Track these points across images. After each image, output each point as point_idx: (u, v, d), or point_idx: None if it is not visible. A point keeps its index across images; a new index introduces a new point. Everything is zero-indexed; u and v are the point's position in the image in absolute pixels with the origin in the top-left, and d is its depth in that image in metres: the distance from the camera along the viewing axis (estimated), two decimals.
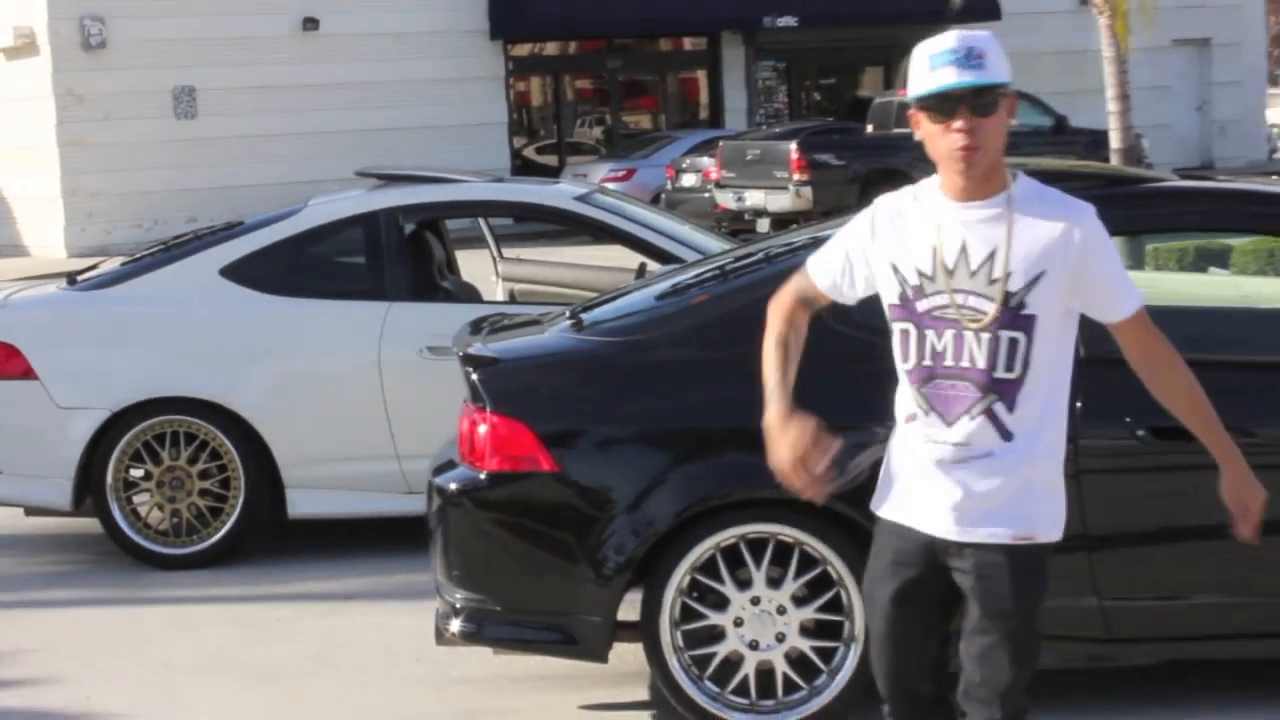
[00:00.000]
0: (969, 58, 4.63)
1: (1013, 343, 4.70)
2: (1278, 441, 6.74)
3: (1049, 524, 4.83)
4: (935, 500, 4.81)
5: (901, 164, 28.02)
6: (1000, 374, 4.71)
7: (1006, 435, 4.74)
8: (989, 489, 4.76)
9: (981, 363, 4.71)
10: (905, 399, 4.88)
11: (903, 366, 4.85)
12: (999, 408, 4.72)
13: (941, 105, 4.65)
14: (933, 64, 4.66)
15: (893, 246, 4.82)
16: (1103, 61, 22.88)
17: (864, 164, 29.51)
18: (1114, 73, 22.66)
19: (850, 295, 5.02)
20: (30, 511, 10.38)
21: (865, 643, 6.62)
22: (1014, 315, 4.69)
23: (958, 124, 4.63)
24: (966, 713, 4.92)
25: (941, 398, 4.77)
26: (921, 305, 4.77)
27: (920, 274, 4.76)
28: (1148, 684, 7.00)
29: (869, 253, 4.89)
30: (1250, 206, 7.56)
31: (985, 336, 4.70)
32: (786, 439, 4.84)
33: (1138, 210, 7.46)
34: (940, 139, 4.68)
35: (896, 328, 4.83)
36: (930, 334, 4.76)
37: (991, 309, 4.69)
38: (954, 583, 4.85)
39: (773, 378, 4.97)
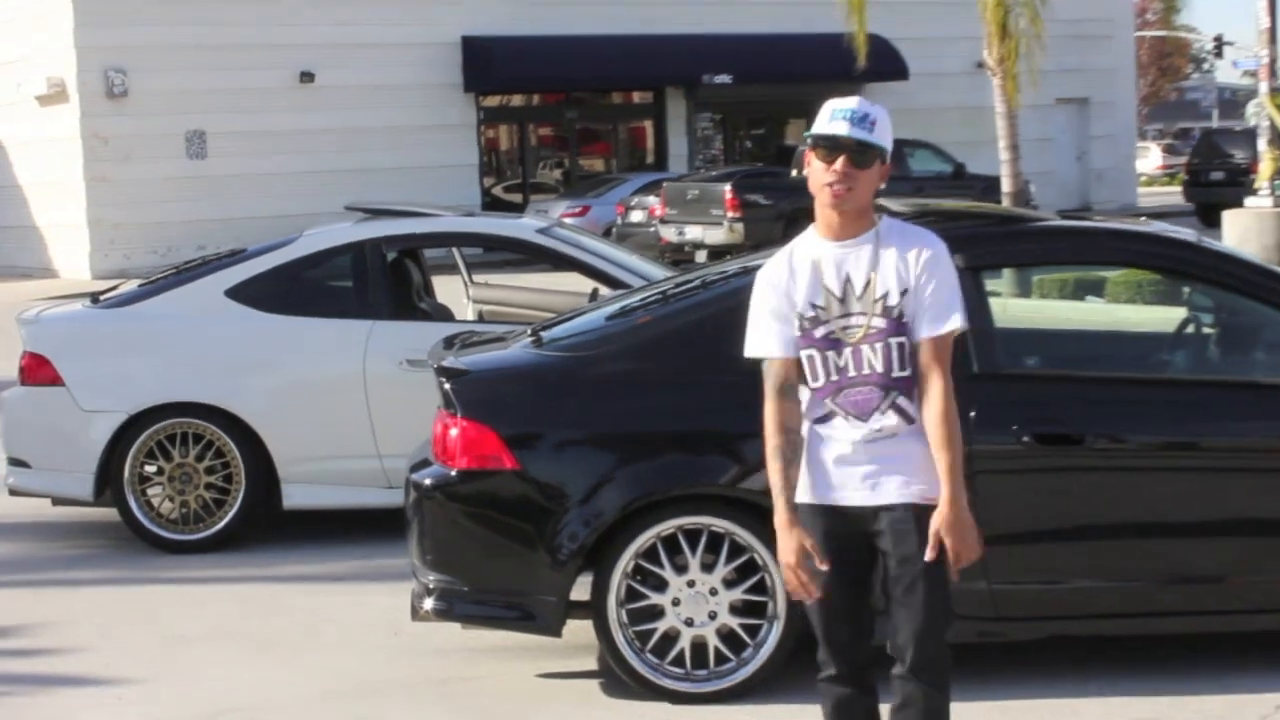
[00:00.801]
0: (864, 120, 4.94)
1: (900, 346, 4.98)
2: (1141, 448, 6.78)
3: (936, 488, 5.00)
4: (855, 478, 5.02)
5: None
6: (897, 373, 4.98)
7: (909, 420, 5.01)
8: (897, 463, 5.00)
9: (880, 367, 4.97)
10: (817, 408, 5.05)
11: (813, 385, 5.03)
12: (901, 400, 4.99)
13: (830, 148, 4.93)
14: (833, 115, 4.96)
15: (790, 294, 5.04)
16: (996, 117, 22.97)
17: (788, 203, 29.49)
18: (1005, 126, 22.73)
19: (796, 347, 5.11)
20: (57, 501, 10.34)
21: (787, 620, 6.66)
22: (897, 324, 4.97)
23: (838, 166, 4.91)
24: (899, 661, 5.06)
25: (853, 402, 5.00)
26: (819, 332, 5.01)
27: (814, 306, 5.01)
28: (1030, 657, 7.02)
29: (796, 304, 5.03)
30: (1120, 243, 7.60)
31: (879, 345, 4.97)
32: (790, 542, 4.99)
33: (1026, 245, 7.50)
34: (821, 175, 4.94)
35: (803, 355, 5.03)
36: (832, 354, 5.00)
37: (880, 323, 4.97)
38: (872, 550, 5.05)
39: (776, 485, 5.03)
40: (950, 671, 5.11)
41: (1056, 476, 6.73)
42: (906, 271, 4.97)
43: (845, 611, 5.10)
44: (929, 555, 4.92)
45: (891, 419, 4.99)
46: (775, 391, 5.07)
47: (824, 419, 5.05)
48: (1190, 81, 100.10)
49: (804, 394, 5.07)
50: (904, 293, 4.96)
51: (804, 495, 5.08)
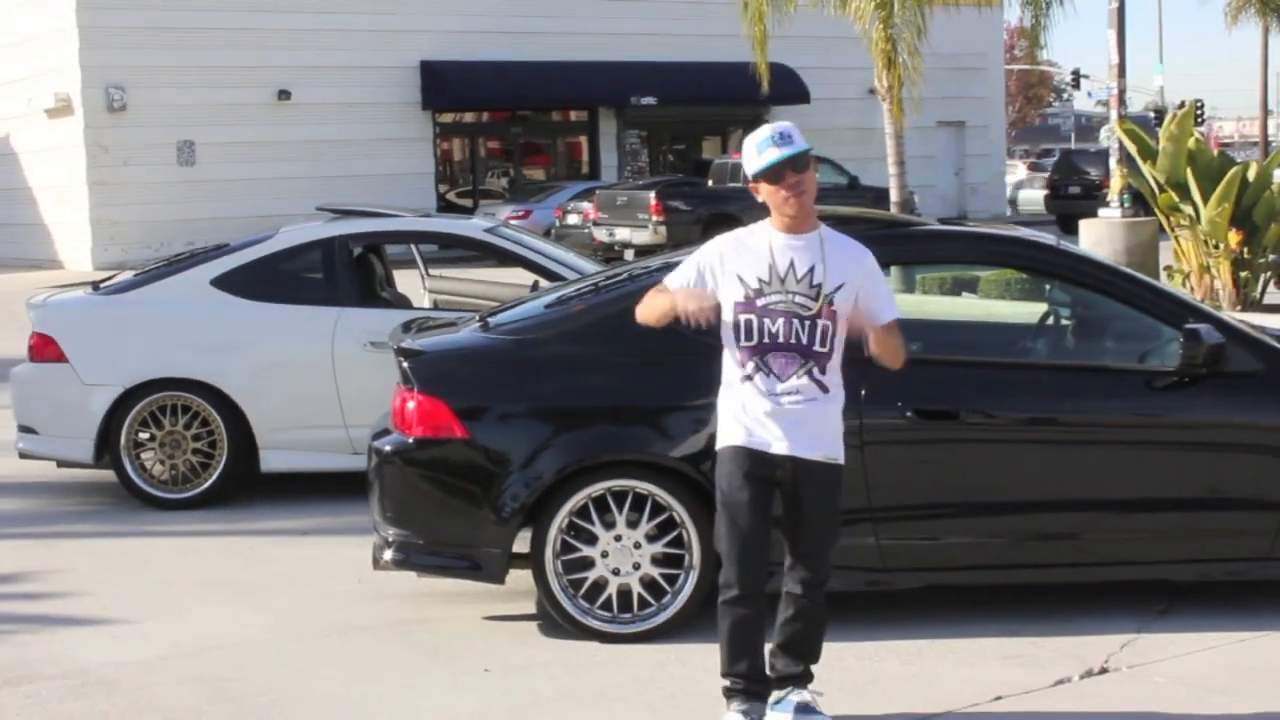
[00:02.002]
0: (784, 137, 5.29)
1: (825, 328, 5.31)
2: (1008, 422, 6.82)
3: (842, 452, 5.48)
4: (778, 430, 5.33)
5: (734, 210, 28.07)
6: (817, 348, 5.31)
7: (824, 389, 5.36)
8: (811, 423, 5.35)
9: (804, 340, 5.30)
10: (740, 365, 5.37)
11: (744, 344, 5.34)
12: (815, 371, 5.33)
13: (773, 174, 5.27)
14: (759, 149, 5.29)
15: (737, 263, 5.35)
16: (885, 137, 23.07)
17: (706, 209, 29.58)
18: (893, 145, 22.86)
19: None
20: (61, 464, 10.24)
21: (701, 571, 6.66)
22: (828, 310, 5.30)
23: (788, 182, 5.26)
24: (798, 583, 5.48)
25: (776, 362, 5.32)
26: (761, 302, 5.31)
27: (760, 280, 5.32)
28: (912, 603, 7.05)
29: (717, 269, 5.38)
30: (992, 246, 7.65)
31: (809, 323, 5.29)
32: (683, 294, 5.34)
33: (910, 247, 7.53)
34: (776, 195, 5.29)
35: (741, 319, 5.33)
36: (767, 321, 5.30)
37: (814, 305, 5.29)
38: (777, 489, 5.38)
39: (664, 295, 5.42)
40: (830, 575, 5.59)
41: (935, 447, 6.75)
42: (845, 273, 5.31)
43: (755, 539, 5.34)
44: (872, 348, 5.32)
45: (806, 383, 5.31)
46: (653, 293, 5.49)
47: (748, 377, 5.34)
48: (1052, 109, 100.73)
49: (732, 352, 5.39)
50: (839, 288, 5.29)
51: (731, 439, 5.39)
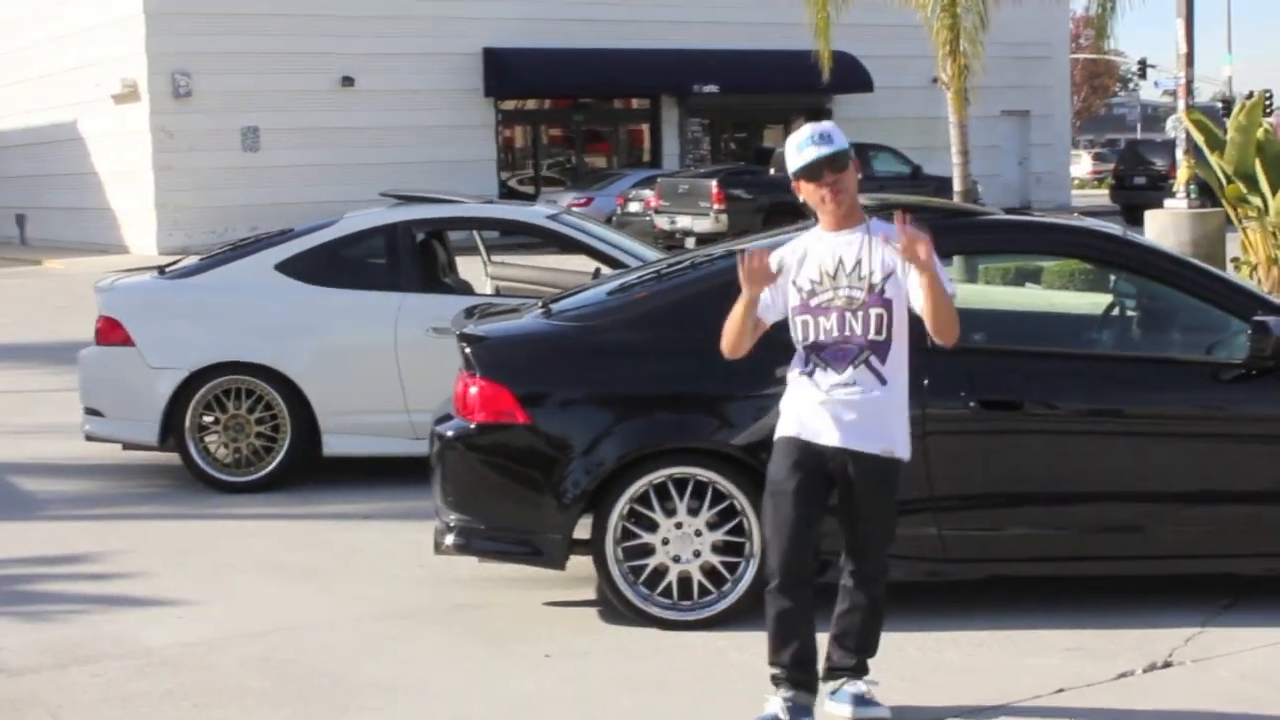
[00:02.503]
0: (823, 137, 5.33)
1: (879, 316, 5.32)
2: (1072, 413, 6.77)
3: (904, 447, 5.44)
4: (830, 422, 5.33)
5: (795, 200, 27.95)
6: (872, 336, 5.32)
7: (882, 380, 5.34)
8: (867, 415, 5.33)
9: (859, 330, 5.31)
10: (804, 362, 5.40)
11: (804, 342, 5.39)
12: (874, 360, 5.33)
13: (811, 173, 5.33)
14: (799, 148, 5.35)
15: (796, 272, 5.42)
16: (949, 126, 22.94)
17: (767, 198, 29.47)
18: (957, 135, 22.71)
19: (771, 314, 5.45)
20: (126, 446, 10.33)
21: (761, 559, 6.65)
22: (879, 298, 5.32)
23: (826, 181, 5.33)
24: (852, 575, 5.52)
25: (831, 356, 5.34)
26: (814, 302, 5.37)
27: (813, 282, 5.38)
28: (974, 594, 7.02)
29: (784, 286, 5.42)
30: (1057, 236, 7.62)
31: (860, 314, 5.31)
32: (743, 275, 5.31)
33: (974, 236, 7.50)
34: (815, 194, 5.36)
35: (798, 320, 5.39)
36: (821, 319, 5.35)
37: (862, 295, 5.31)
38: (830, 482, 5.37)
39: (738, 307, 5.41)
40: (888, 570, 5.61)
41: (998, 437, 6.72)
42: (893, 260, 5.27)
43: (798, 529, 5.32)
44: (910, 252, 5.09)
45: (865, 374, 5.31)
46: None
47: (809, 371, 5.37)
48: (1118, 98, 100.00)
49: (798, 347, 5.41)
50: (888, 276, 5.29)
51: (785, 430, 5.42)
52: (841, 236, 5.38)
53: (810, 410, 5.35)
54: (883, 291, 5.31)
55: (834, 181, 5.30)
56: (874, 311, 5.30)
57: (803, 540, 5.34)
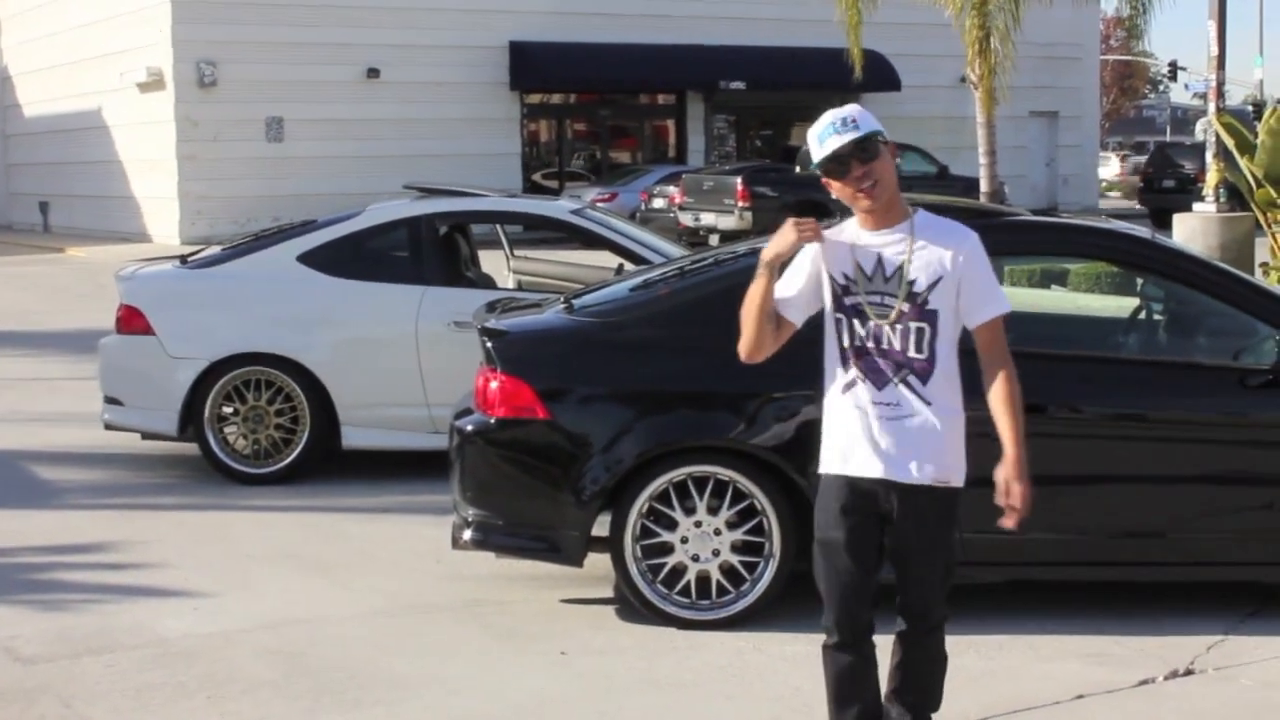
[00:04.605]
0: (845, 124, 4.63)
1: (920, 331, 4.68)
2: (1096, 418, 6.74)
3: (959, 474, 4.80)
4: (873, 452, 4.73)
5: (821, 197, 27.86)
6: (912, 353, 4.69)
7: (925, 401, 4.71)
8: (911, 441, 4.71)
9: (898, 345, 4.69)
10: (841, 372, 4.78)
11: (841, 344, 4.76)
12: (913, 380, 4.70)
13: (837, 166, 4.64)
14: (821, 139, 4.65)
15: (831, 258, 4.74)
16: (976, 126, 22.87)
17: (792, 195, 29.38)
18: (984, 135, 22.65)
19: (795, 312, 4.80)
20: (146, 436, 10.35)
21: (780, 559, 6.63)
22: (920, 310, 4.68)
23: (854, 174, 4.62)
24: (905, 622, 4.87)
25: (871, 370, 4.72)
26: (849, 300, 4.73)
27: (846, 277, 4.73)
28: (994, 598, 7.00)
29: (817, 258, 4.77)
30: (1086, 238, 7.57)
31: (898, 327, 4.68)
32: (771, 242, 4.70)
33: (1001, 237, 7.45)
34: (845, 191, 4.67)
35: (835, 317, 4.76)
36: (856, 322, 4.72)
37: (904, 306, 4.68)
38: (883, 523, 4.77)
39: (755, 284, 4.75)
40: (948, 619, 4.98)
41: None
42: (942, 265, 4.68)
43: (854, 582, 4.78)
44: (1004, 499, 4.59)
45: (905, 394, 4.70)
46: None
47: (849, 385, 4.76)
48: (1147, 100, 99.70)
49: (833, 353, 4.79)
50: (935, 283, 4.67)
51: (827, 464, 4.83)
52: (883, 236, 4.71)
53: (851, 438, 4.75)
54: (925, 303, 4.68)
55: (863, 174, 4.60)
56: (914, 325, 4.68)
57: (860, 593, 4.79)
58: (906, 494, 4.72)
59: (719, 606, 6.75)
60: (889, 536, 4.79)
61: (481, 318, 7.37)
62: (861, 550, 4.77)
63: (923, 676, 4.95)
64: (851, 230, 4.79)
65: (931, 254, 4.69)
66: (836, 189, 4.70)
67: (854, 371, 4.75)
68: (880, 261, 4.70)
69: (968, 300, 4.71)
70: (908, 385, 4.70)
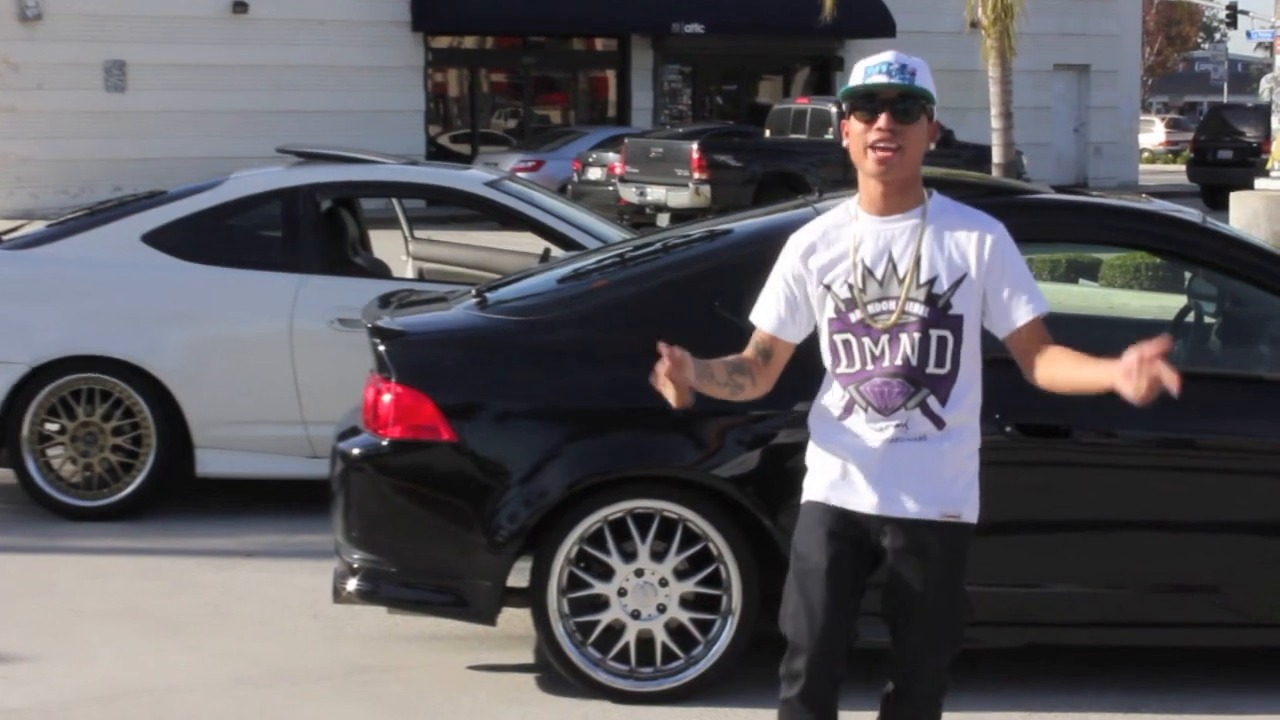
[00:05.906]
0: (903, 69, 4.75)
1: (941, 340, 4.76)
2: (1132, 443, 6.79)
3: (972, 507, 4.89)
4: (870, 484, 4.82)
5: (796, 168, 28.13)
6: (931, 369, 4.77)
7: (939, 424, 4.79)
8: (916, 470, 4.79)
9: (915, 360, 4.75)
10: (838, 397, 4.86)
11: (841, 370, 4.84)
12: (931, 400, 4.78)
13: (868, 104, 4.74)
14: (867, 72, 4.77)
15: (825, 265, 4.83)
16: (988, 81, 23.04)
17: (761, 166, 29.56)
18: (998, 92, 22.85)
19: (793, 330, 4.93)
20: None
21: (742, 616, 6.66)
22: (941, 315, 4.76)
23: (880, 124, 4.71)
24: (895, 687, 4.95)
25: (877, 393, 4.78)
26: (855, 316, 4.79)
27: (851, 287, 4.80)
28: (1007, 666, 7.04)
29: (804, 275, 4.87)
30: (1118, 221, 7.61)
31: (917, 335, 4.75)
32: (659, 367, 4.67)
33: (1016, 220, 7.47)
34: (862, 137, 4.74)
35: (836, 339, 4.83)
36: (867, 340, 4.77)
37: (921, 310, 4.75)
38: (875, 562, 4.85)
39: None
40: (947, 690, 5.02)
41: (1040, 471, 6.74)
42: (964, 259, 4.77)
43: (830, 620, 4.83)
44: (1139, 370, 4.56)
45: (918, 419, 4.78)
46: (752, 348, 4.95)
47: (844, 412, 4.84)
48: (1200, 52, 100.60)
49: (829, 378, 4.89)
50: (958, 282, 4.76)
51: (813, 493, 4.93)
52: (891, 223, 4.80)
53: (844, 467, 4.84)
54: (948, 306, 4.76)
55: (889, 132, 4.69)
56: (934, 334, 4.75)
57: (834, 635, 4.83)
58: (908, 530, 4.81)
59: (665, 675, 6.76)
60: (885, 589, 4.87)
61: (373, 315, 7.37)
62: (843, 583, 4.83)
63: None
64: (849, 218, 4.87)
65: (952, 246, 4.78)
66: (852, 136, 4.79)
67: (855, 393, 4.82)
68: (890, 259, 4.78)
69: (998, 302, 4.81)
70: (923, 407, 4.78)
